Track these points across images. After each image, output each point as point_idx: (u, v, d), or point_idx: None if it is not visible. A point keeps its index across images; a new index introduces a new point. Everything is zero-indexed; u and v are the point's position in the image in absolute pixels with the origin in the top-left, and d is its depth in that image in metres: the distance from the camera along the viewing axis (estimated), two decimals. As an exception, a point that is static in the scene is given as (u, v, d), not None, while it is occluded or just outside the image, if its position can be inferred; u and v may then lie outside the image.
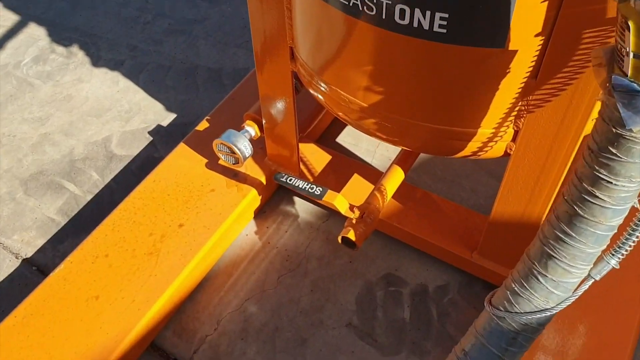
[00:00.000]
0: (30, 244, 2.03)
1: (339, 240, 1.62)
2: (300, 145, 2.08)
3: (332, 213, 2.02)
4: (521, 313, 1.18)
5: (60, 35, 2.84)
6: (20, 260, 1.98)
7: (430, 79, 1.29)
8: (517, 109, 1.30)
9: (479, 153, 1.42)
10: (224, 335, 1.78)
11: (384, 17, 1.20)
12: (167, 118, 2.41)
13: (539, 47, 1.17)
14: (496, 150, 1.41)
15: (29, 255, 2.00)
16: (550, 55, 1.17)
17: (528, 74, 1.23)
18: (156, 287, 1.73)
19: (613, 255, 1.07)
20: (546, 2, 1.09)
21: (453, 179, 2.14)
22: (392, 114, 1.40)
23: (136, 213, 1.91)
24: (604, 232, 1.05)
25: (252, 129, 1.91)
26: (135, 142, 2.33)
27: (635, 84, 0.90)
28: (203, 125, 2.15)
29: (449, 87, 1.29)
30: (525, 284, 1.17)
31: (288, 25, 1.50)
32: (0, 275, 1.94)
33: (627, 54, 0.89)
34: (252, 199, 1.97)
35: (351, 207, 1.63)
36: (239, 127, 1.92)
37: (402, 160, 1.77)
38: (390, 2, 1.16)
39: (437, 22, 1.15)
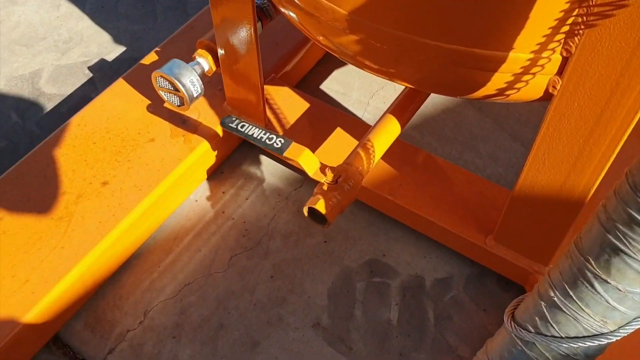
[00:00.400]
0: None
1: (305, 213, 1.21)
2: (272, 89, 1.65)
3: (308, 179, 1.60)
4: (561, 338, 0.76)
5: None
6: None
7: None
8: (569, 20, 0.86)
9: (508, 91, 0.99)
10: (150, 331, 1.38)
11: None
12: (113, 51, 1.99)
13: None
14: (533, 88, 0.98)
15: None
16: None
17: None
18: (61, 264, 1.33)
19: None
20: None
21: (466, 142, 1.71)
22: (385, 26, 0.97)
23: (49, 165, 1.49)
24: None
25: (204, 61, 1.47)
26: (71, 78, 1.91)
27: None
28: (150, 58, 1.72)
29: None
30: (571, 293, 0.75)
31: None
32: None
33: None
34: (204, 154, 1.55)
35: (323, 169, 1.20)
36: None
37: (398, 108, 1.34)
38: None
39: None
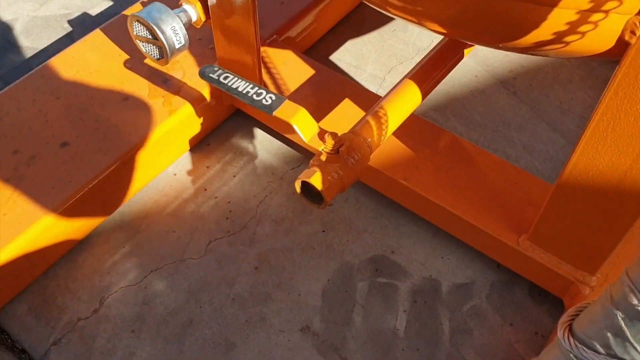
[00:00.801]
0: None
1: (297, 188, 0.99)
2: (272, 51, 1.44)
3: (309, 157, 1.38)
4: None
5: None
6: None
7: None
8: None
9: (568, 37, 0.77)
10: (106, 321, 1.17)
11: None
12: (98, 5, 1.79)
13: None
14: (602, 33, 0.76)
15: None
16: None
17: None
18: (1, 234, 1.12)
19: None
20: None
21: (497, 129, 1.49)
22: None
23: (3, 120, 1.29)
24: None
25: (192, 9, 1.27)
26: (48, 31, 1.71)
27: None
28: (135, 8, 1.51)
29: None
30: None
31: None
32: None
33: None
34: (186, 119, 1.34)
35: (322, 134, 0.99)
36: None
37: (420, 73, 1.12)
38: None
39: None
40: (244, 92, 0.96)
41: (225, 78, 0.99)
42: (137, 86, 1.36)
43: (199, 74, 1.02)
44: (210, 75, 1.00)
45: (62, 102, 1.32)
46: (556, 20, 0.75)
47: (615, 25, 0.75)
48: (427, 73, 1.13)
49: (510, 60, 1.64)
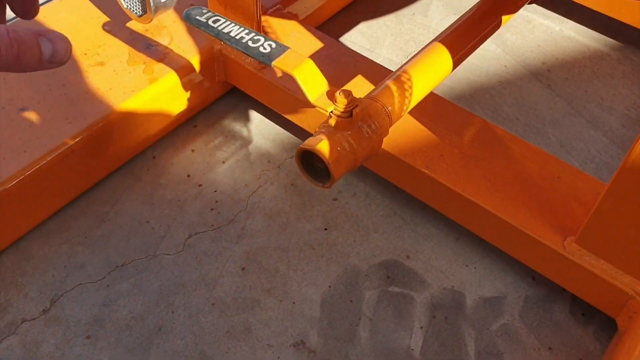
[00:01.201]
0: None
1: (296, 159, 0.81)
2: (274, 20, 1.28)
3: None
4: None
5: None
6: None
7: None
8: None
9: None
10: (56, 324, 0.97)
11: None
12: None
13: None
14: None
15: None
16: None
17: None
18: None
19: None
20: None
21: (530, 123, 1.31)
22: None
23: (-47, 80, 1.11)
24: None
25: (184, -40, 1.10)
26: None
27: None
28: (120, -29, 1.35)
29: None
30: None
31: None
32: None
33: None
34: (169, 91, 1.16)
35: (331, 94, 0.81)
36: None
37: (453, 36, 0.95)
38: None
39: None
40: (238, 37, 0.79)
41: (216, 21, 0.81)
42: (115, 51, 1.18)
43: (184, 16, 0.85)
44: (197, 17, 0.82)
45: (25, 64, 1.14)
46: None
47: None
48: (460, 38, 0.96)
49: (543, 51, 1.48)
